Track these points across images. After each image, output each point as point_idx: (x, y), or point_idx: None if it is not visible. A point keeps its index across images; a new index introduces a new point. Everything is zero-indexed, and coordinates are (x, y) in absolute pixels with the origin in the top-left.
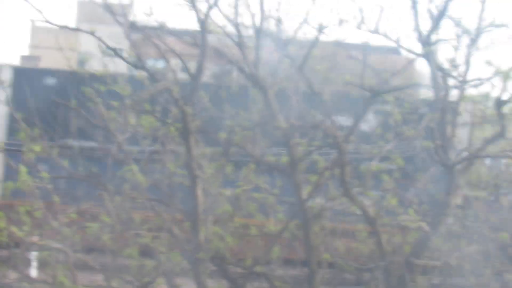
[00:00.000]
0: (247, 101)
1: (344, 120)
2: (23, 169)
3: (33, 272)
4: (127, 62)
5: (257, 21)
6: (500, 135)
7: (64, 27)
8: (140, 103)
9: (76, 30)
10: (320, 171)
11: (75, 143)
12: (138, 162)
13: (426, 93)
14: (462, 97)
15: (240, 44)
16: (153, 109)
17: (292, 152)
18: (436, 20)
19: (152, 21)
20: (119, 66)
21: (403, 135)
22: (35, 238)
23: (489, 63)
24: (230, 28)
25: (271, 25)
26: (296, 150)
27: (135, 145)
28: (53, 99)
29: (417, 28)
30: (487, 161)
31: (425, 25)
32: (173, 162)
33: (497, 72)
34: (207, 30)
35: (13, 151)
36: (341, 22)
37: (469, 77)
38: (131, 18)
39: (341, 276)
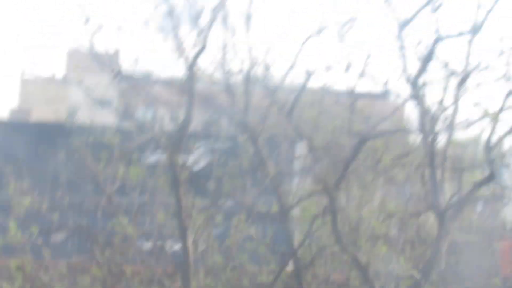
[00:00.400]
0: (237, 149)
1: None
2: (12, 223)
3: None
4: (116, 113)
5: (246, 67)
6: (490, 179)
7: (51, 78)
8: (128, 154)
9: (64, 81)
10: (311, 218)
11: (64, 196)
12: (128, 213)
13: (415, 137)
14: (450, 141)
15: (228, 90)
16: (141, 160)
17: (282, 200)
18: (424, 63)
19: (139, 70)
20: (108, 116)
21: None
22: None
23: (477, 104)
24: (218, 75)
25: (259, 71)
26: (286, 198)
27: (124, 197)
28: (41, 152)
29: (404, 71)
30: (478, 206)
31: (413, 68)
32: (163, 213)
33: (485, 114)
34: (195, 77)
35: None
36: (328, 67)
37: (458, 119)
38: (118, 67)
39: None
